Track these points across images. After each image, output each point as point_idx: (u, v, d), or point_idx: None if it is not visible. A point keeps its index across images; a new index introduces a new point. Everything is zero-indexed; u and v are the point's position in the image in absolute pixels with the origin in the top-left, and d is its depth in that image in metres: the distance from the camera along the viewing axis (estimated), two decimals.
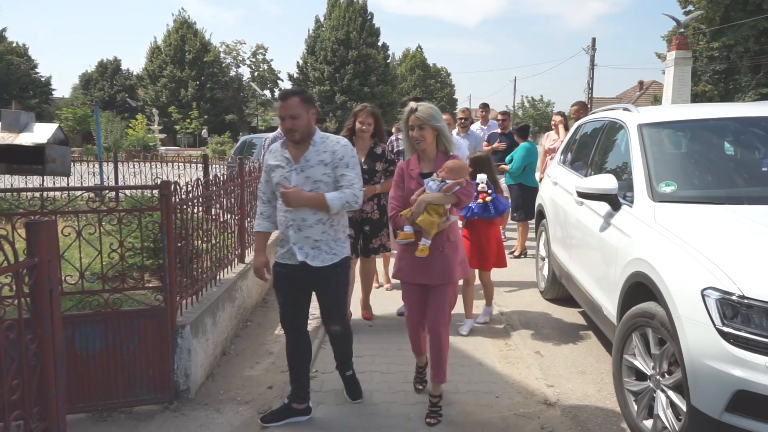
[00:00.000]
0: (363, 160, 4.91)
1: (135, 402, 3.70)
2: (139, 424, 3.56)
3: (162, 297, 3.74)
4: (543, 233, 6.21)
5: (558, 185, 5.70)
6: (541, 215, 6.29)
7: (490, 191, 4.85)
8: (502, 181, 8.05)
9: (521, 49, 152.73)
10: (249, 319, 5.48)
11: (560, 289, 5.73)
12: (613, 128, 4.72)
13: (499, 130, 8.87)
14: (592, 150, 5.06)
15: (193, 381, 3.87)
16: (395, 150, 5.77)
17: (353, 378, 3.90)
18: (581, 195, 4.11)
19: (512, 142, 8.48)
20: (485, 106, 9.49)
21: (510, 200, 8.38)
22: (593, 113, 5.83)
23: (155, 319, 3.68)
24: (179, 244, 3.94)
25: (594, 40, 39.84)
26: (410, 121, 3.48)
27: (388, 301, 6.02)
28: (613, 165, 4.51)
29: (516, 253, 8.12)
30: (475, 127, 9.22)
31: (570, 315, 5.68)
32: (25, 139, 8.75)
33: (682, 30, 15.39)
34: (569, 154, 5.94)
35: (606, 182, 3.89)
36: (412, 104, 3.51)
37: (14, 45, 45.44)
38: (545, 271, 6.11)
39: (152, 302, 3.88)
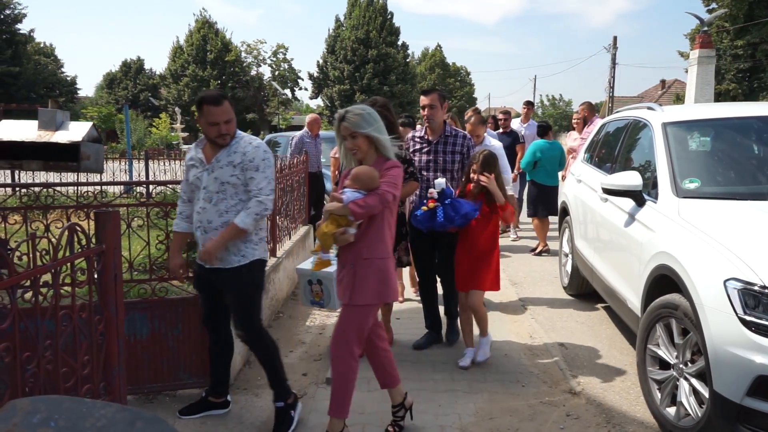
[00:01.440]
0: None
1: (179, 386, 3.90)
2: (182, 406, 3.75)
3: None
4: (566, 230, 6.33)
5: (582, 183, 5.81)
6: (565, 212, 6.41)
7: (439, 198, 4.12)
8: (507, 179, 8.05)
9: (541, 48, 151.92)
10: (281, 311, 5.67)
11: (583, 284, 5.84)
12: (638, 127, 4.83)
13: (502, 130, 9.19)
14: (617, 148, 5.18)
15: (232, 367, 4.05)
16: (413, 149, 4.87)
17: (282, 413, 3.47)
18: (606, 191, 4.24)
19: (513, 141, 8.79)
20: (529, 104, 9.91)
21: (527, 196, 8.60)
22: (617, 112, 5.94)
23: (198, 307, 3.87)
24: None
25: (615, 38, 39.62)
26: (341, 130, 3.17)
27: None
28: (638, 162, 4.63)
29: (537, 250, 8.23)
30: (515, 123, 9.55)
31: (593, 309, 5.79)
32: (61, 137, 9.06)
33: (705, 28, 15.34)
34: (593, 152, 6.05)
35: (631, 179, 4.01)
36: (341, 111, 3.22)
37: (42, 45, 46.35)
38: (568, 267, 6.22)
39: (194, 291, 4.08)
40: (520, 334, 5.12)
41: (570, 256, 6.15)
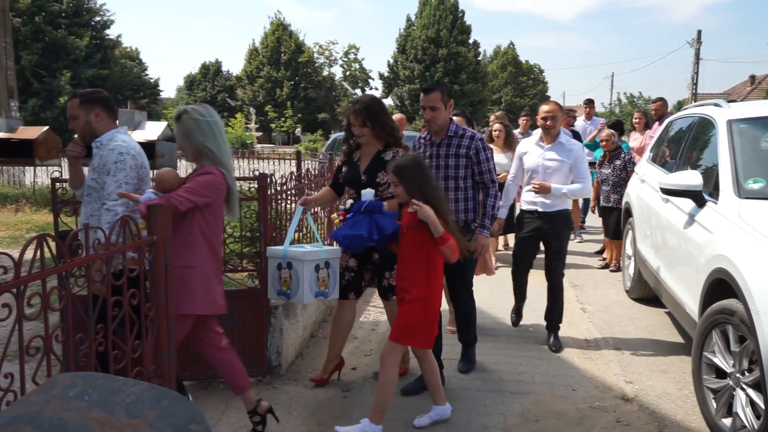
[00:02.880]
0: (364, 168, 3.82)
1: None
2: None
3: (258, 280, 4.08)
4: (629, 231, 6.13)
5: (645, 183, 5.62)
6: (628, 213, 6.21)
7: (348, 213, 3.49)
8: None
9: (620, 44, 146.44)
10: (335, 306, 5.77)
11: (646, 288, 5.64)
12: (703, 124, 4.63)
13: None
14: (681, 146, 4.99)
15: (284, 358, 4.19)
16: (419, 152, 4.04)
17: None
18: (665, 191, 4.10)
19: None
20: (590, 102, 9.72)
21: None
22: (685, 109, 5.71)
23: (252, 299, 4.02)
24: (273, 234, 4.28)
25: (699, 32, 37.81)
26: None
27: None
28: (701, 161, 4.44)
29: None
30: (579, 122, 9.38)
31: (655, 315, 5.59)
32: (138, 136, 9.62)
33: None
34: (658, 150, 5.84)
35: (690, 178, 3.86)
36: (180, 107, 3.20)
37: (128, 50, 48.90)
38: (631, 270, 6.03)
39: (249, 284, 4.25)
40: (576, 337, 5.01)
41: (633, 258, 5.96)
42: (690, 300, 3.85)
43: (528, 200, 4.69)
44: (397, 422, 3.50)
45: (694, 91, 37.76)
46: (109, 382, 1.57)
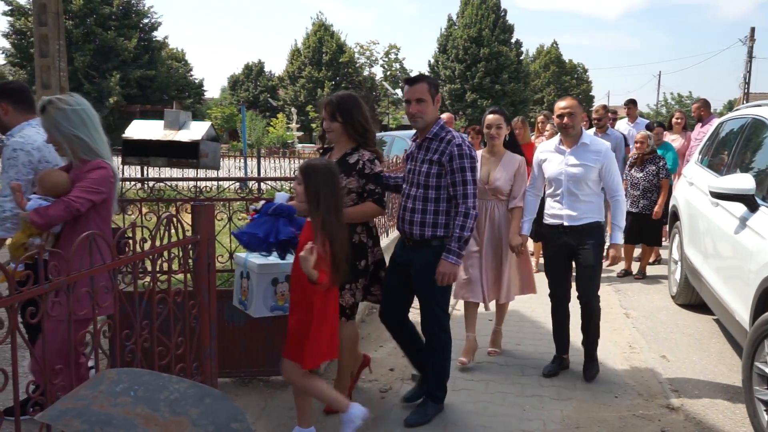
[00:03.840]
0: None
1: (272, 372, 4.09)
2: (275, 392, 3.96)
3: None
4: (676, 235, 5.96)
5: (694, 186, 5.45)
6: (675, 217, 6.04)
7: (257, 213, 3.16)
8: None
9: (668, 42, 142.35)
10: (374, 307, 5.79)
11: (693, 294, 5.48)
12: (756, 125, 4.47)
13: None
14: (732, 148, 4.82)
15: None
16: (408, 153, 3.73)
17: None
18: (715, 195, 3.97)
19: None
20: (632, 103, 9.31)
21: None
22: (736, 110, 5.52)
23: None
24: None
25: (753, 29, 36.55)
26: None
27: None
28: (754, 164, 4.28)
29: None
30: (622, 124, 9.10)
31: (703, 322, 5.42)
32: (183, 136, 9.87)
33: None
34: (708, 153, 5.66)
35: (742, 182, 3.73)
36: (45, 98, 2.95)
37: (174, 51, 50.06)
38: (677, 275, 5.86)
39: None
40: (619, 343, 4.90)
41: (679, 263, 5.79)
42: (741, 308, 3.72)
43: (551, 213, 4.07)
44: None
45: (746, 90, 36.55)
46: (153, 378, 1.60)
